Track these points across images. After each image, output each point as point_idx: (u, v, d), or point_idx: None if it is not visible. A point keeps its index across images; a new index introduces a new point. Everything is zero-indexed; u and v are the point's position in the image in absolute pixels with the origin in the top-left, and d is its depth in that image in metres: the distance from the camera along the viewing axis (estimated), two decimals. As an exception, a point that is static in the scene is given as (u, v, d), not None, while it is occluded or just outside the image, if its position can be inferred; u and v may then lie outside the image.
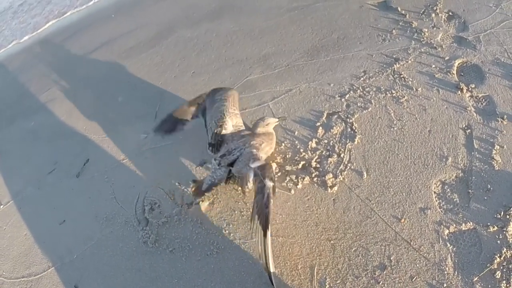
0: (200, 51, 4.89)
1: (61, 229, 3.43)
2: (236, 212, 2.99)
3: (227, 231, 2.90)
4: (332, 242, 2.64)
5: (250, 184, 2.67)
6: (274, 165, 3.13)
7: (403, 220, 2.64)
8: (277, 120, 3.21)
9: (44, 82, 5.58)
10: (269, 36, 4.72)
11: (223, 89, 3.40)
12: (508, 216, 2.49)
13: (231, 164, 2.90)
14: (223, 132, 3.08)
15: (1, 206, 3.88)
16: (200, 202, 3.10)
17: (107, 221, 3.30)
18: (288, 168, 3.16)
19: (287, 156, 3.26)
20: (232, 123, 3.13)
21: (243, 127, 3.17)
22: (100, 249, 3.13)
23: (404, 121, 3.25)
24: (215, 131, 3.10)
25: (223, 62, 4.55)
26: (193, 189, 3.05)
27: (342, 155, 3.14)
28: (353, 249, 2.58)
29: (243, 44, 4.74)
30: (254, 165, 2.70)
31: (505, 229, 2.45)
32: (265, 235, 2.40)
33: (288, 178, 3.09)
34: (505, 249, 2.38)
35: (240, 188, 2.85)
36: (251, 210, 2.61)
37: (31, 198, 3.84)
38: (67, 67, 5.72)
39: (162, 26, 5.74)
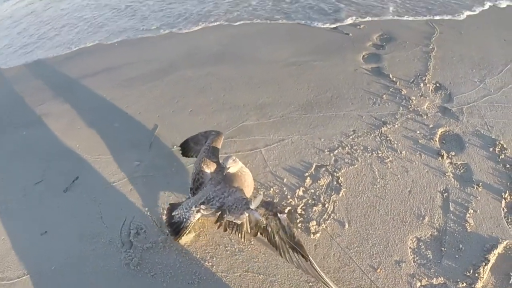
0: (200, 91, 5.09)
1: (41, 239, 3.41)
2: (220, 246, 3.09)
3: (210, 263, 2.98)
4: (310, 284, 2.76)
5: (263, 222, 2.70)
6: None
7: (379, 270, 2.78)
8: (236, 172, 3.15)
9: (39, 96, 5.63)
10: (267, 87, 4.98)
11: (211, 135, 3.57)
12: (476, 274, 2.69)
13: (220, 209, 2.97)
14: (201, 180, 3.22)
15: (-19, 209, 3.85)
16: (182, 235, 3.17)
17: (90, 239, 3.32)
18: (274, 212, 3.29)
19: (275, 200, 3.41)
20: (210, 170, 3.24)
21: (219, 170, 3.25)
22: (80, 265, 3.13)
23: (386, 180, 3.46)
24: (195, 178, 3.26)
25: (220, 105, 4.75)
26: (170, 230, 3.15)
27: (326, 205, 3.31)
28: (330, 293, 2.70)
29: (242, 91, 4.98)
30: (254, 205, 2.76)
31: (473, 286, 2.64)
32: (307, 260, 2.52)
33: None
34: (472, 304, 2.55)
35: (239, 233, 2.81)
36: (277, 251, 2.67)
37: (15, 205, 3.82)
38: (66, 86, 5.82)
39: (166, 63, 5.95)
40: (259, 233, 2.77)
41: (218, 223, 2.89)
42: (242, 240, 2.83)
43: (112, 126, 4.69)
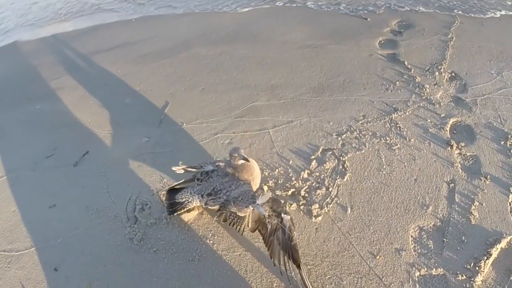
0: (212, 70, 5.10)
1: (50, 212, 3.48)
2: (222, 224, 3.11)
3: (211, 241, 3.01)
4: (308, 267, 2.77)
5: (267, 217, 2.70)
6: (265, 188, 3.28)
7: (378, 257, 2.78)
8: (243, 161, 3.06)
9: (54, 70, 5.74)
10: (280, 68, 4.96)
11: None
12: (477, 268, 2.65)
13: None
14: (206, 168, 3.18)
15: (-7, 180, 3.95)
16: (185, 212, 3.23)
17: (96, 213, 3.38)
18: (278, 193, 3.31)
19: (279, 181, 3.41)
20: (211, 165, 3.21)
21: (223, 163, 3.21)
22: (86, 238, 3.19)
23: (393, 167, 3.43)
24: (203, 170, 3.19)
25: (232, 85, 4.75)
26: (165, 193, 3.21)
27: (330, 189, 3.30)
28: (328, 276, 2.71)
29: (254, 71, 4.97)
30: (261, 201, 2.75)
31: (473, 279, 2.60)
32: (298, 267, 2.53)
33: (276, 202, 3.21)
34: (470, 298, 2.53)
35: (238, 226, 2.80)
36: (268, 251, 2.67)
37: (25, 178, 3.90)
38: (80, 60, 5.90)
39: (180, 40, 5.96)
40: (257, 229, 2.77)
41: (219, 213, 2.90)
42: (240, 233, 2.81)
43: (123, 102, 4.73)
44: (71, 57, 6.03)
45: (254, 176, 3.11)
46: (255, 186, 3.08)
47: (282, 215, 2.67)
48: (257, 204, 2.71)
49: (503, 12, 5.90)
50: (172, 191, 3.21)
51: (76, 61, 5.89)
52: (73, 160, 3.98)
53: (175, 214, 3.14)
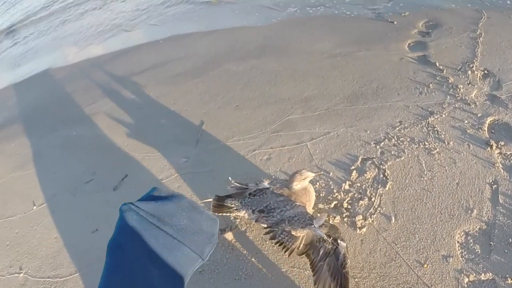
0: (245, 85, 5.16)
1: (92, 237, 3.60)
2: (267, 242, 3.14)
3: (256, 259, 3.05)
4: (356, 280, 2.78)
5: (322, 241, 2.67)
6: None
7: (425, 265, 2.76)
8: (314, 174, 3.14)
9: (88, 96, 5.95)
10: (311, 79, 4.97)
11: None
12: (527, 271, 2.60)
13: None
14: (260, 186, 3.16)
15: (35, 207, 4.10)
16: (229, 230, 3.28)
17: (140, 236, 3.46)
18: (320, 206, 3.33)
19: (321, 194, 3.43)
20: (267, 182, 3.19)
21: (278, 184, 3.19)
22: (131, 262, 3.29)
23: (434, 172, 3.40)
24: (257, 188, 3.16)
25: (266, 99, 4.80)
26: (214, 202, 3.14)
27: (373, 199, 3.30)
28: (376, 288, 2.72)
29: (286, 84, 5.00)
30: (317, 223, 2.71)
31: (523, 283, 2.55)
32: None
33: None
34: (522, 302, 2.49)
35: (286, 247, 2.72)
36: (314, 276, 2.62)
37: (66, 204, 4.04)
38: (113, 85, 6.08)
39: (209, 58, 6.06)
40: (306, 253, 2.73)
41: (269, 229, 2.83)
42: (287, 254, 2.74)
43: (159, 123, 4.84)
44: (104, 82, 6.22)
45: (312, 201, 3.12)
46: (308, 210, 3.06)
47: (339, 241, 2.66)
48: (315, 226, 2.68)
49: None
50: (222, 197, 3.17)
51: (109, 86, 6.07)
52: (113, 184, 4.09)
53: (220, 214, 3.11)
